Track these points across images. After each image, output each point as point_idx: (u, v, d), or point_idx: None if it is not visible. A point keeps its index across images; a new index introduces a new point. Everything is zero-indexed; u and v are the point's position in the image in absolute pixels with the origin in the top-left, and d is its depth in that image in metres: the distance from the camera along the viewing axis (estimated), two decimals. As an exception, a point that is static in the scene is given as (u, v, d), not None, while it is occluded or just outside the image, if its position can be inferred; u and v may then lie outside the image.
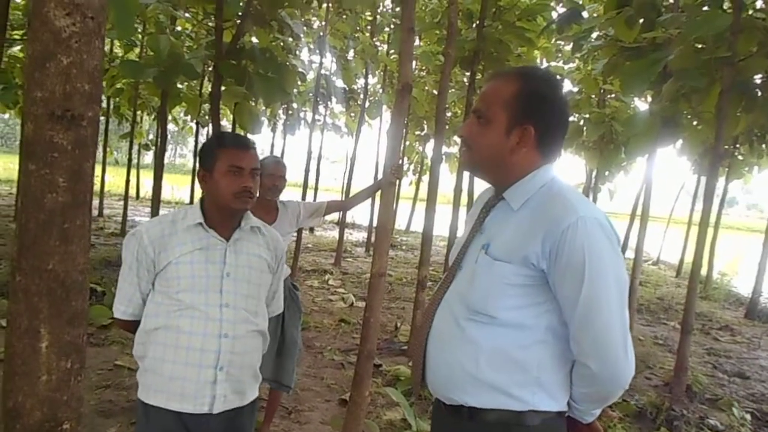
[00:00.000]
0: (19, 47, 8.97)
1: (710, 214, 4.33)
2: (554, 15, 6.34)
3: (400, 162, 3.23)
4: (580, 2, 6.45)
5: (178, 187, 19.89)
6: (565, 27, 5.58)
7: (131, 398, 3.36)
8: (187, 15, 6.27)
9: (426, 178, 13.87)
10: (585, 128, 8.29)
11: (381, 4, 8.80)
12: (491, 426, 1.28)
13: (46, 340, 1.32)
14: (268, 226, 1.86)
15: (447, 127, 10.59)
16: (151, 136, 15.54)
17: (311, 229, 13.47)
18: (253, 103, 5.35)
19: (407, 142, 13.65)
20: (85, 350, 1.46)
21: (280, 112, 12.30)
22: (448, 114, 12.08)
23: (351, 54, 9.07)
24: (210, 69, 7.25)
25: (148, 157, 19.94)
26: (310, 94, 10.52)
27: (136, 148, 12.55)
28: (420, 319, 1.51)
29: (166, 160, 7.80)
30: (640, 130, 5.09)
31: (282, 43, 5.95)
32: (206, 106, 9.42)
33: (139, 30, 7.87)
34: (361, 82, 10.57)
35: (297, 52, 7.34)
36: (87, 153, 1.31)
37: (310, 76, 9.67)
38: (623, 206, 15.14)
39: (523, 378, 1.26)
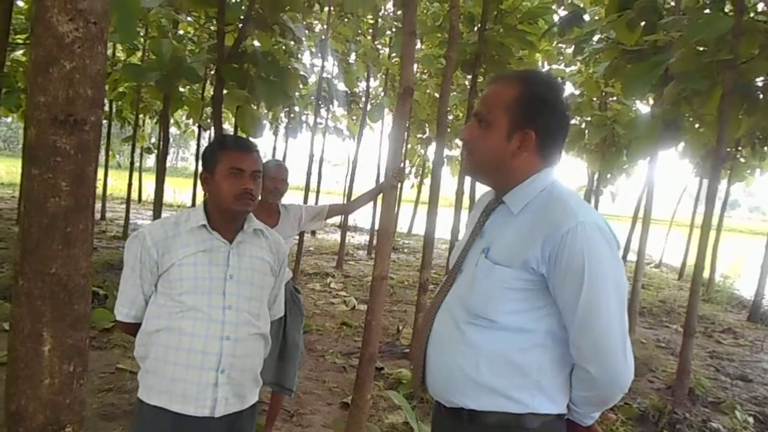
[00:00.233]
0: (21, 51, 9.00)
1: (712, 217, 4.32)
2: (555, 18, 6.35)
3: (402, 165, 3.23)
4: (582, 5, 6.46)
5: (180, 190, 19.90)
6: (567, 30, 5.59)
7: (133, 401, 3.35)
8: (189, 19, 6.29)
9: (428, 181, 13.86)
10: (587, 131, 8.30)
11: (382, 7, 8.81)
12: (491, 429, 1.28)
13: (48, 343, 1.33)
14: (271, 229, 1.86)
15: (449, 130, 10.61)
16: (153, 140, 15.57)
17: (313, 232, 13.47)
18: (255, 107, 5.35)
19: (409, 145, 13.66)
20: (88, 353, 1.47)
21: (282, 115, 12.32)
22: (450, 117, 12.08)
23: (353, 57, 9.07)
24: (212, 72, 7.26)
25: (150, 161, 19.94)
26: (312, 98, 10.56)
27: (138, 151, 12.57)
28: (421, 322, 1.51)
29: (168, 164, 7.82)
30: (641, 133, 5.09)
31: (284, 47, 5.96)
32: (208, 110, 9.47)
33: (142, 34, 7.90)
34: (362, 85, 10.58)
35: (299, 56, 7.36)
36: (89, 157, 1.32)
37: (312, 79, 9.68)
38: (625, 209, 15.11)
39: (523, 381, 1.26)
